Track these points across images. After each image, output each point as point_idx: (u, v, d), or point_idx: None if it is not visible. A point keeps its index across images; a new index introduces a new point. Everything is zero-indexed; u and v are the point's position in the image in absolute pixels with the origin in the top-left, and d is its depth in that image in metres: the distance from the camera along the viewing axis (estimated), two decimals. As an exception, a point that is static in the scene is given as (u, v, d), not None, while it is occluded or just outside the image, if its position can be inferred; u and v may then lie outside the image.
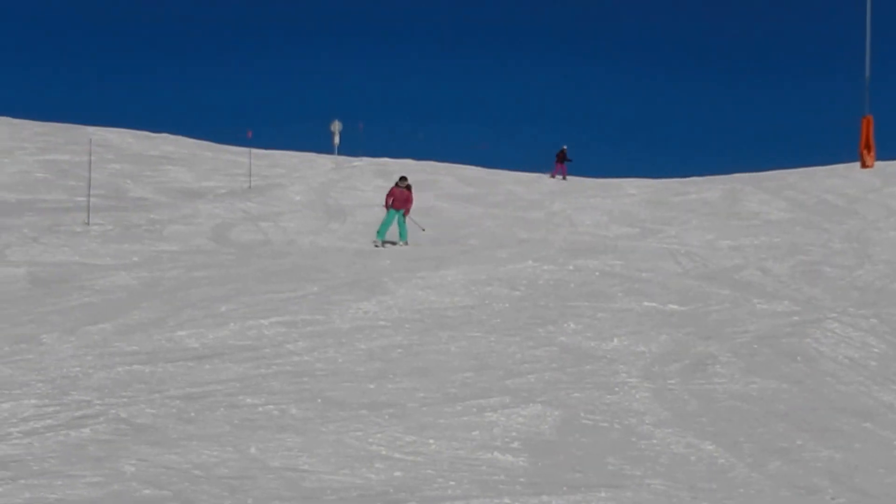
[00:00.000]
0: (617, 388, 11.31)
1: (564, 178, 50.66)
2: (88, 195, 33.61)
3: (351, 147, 57.88)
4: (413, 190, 28.90)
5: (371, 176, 45.26)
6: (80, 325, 15.00)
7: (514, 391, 11.07)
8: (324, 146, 58.29)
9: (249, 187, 41.58)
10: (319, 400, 10.74)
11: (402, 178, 28.72)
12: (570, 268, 20.50)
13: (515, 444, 9.42)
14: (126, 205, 36.18)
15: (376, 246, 26.34)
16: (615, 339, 13.70)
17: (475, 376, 11.75)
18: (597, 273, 19.84)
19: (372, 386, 11.33)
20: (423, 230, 28.45)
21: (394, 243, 25.59)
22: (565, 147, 52.76)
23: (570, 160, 53.21)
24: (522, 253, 23.82)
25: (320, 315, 15.34)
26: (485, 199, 39.35)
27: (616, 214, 33.20)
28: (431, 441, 9.45)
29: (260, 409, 10.41)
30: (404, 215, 27.95)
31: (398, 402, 10.61)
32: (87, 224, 30.75)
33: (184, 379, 11.65)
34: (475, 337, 13.87)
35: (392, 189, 28.39)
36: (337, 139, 57.08)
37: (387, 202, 28.19)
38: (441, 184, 42.26)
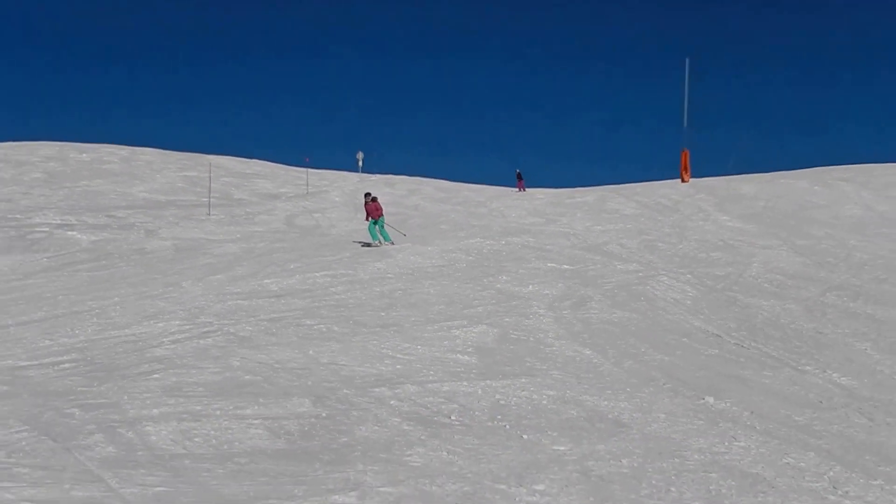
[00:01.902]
0: (531, 316, 11.71)
1: (524, 191, 50.42)
2: (209, 197, 34.31)
3: (368, 167, 58.38)
4: (378, 200, 24.59)
5: (382, 185, 45.51)
6: (204, 276, 15.40)
7: (469, 317, 11.46)
8: (352, 167, 58.69)
9: (307, 192, 42.13)
10: (351, 322, 11.13)
11: (367, 195, 25.04)
12: (503, 242, 20.71)
13: (470, 350, 9.88)
14: (232, 203, 36.80)
15: (378, 245, 22.62)
16: (530, 286, 13.96)
17: (445, 308, 12.11)
18: (519, 246, 20.00)
19: (383, 313, 11.69)
20: (405, 234, 24.13)
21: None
22: (519, 170, 52.86)
23: (521, 177, 53.21)
24: (474, 233, 23.99)
25: (350, 270, 15.63)
26: (451, 201, 39.37)
27: (531, 210, 33.33)
28: (419, 347, 9.90)
29: (314, 327, 10.82)
30: (384, 222, 23.95)
31: (399, 324, 11.00)
32: (209, 215, 31.32)
33: (268, 309, 12.01)
34: (445, 284, 14.17)
35: (364, 206, 24.56)
36: (360, 163, 57.58)
37: (366, 218, 24.22)
38: (423, 191, 42.57)
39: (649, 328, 11.54)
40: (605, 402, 8.21)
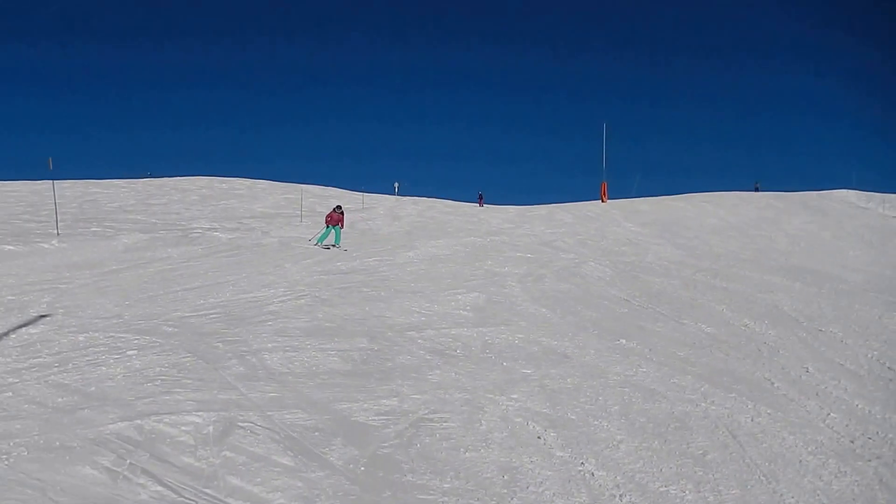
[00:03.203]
0: (507, 287, 11.61)
1: (482, 206, 50.44)
2: (301, 211, 34.30)
3: (402, 192, 58.42)
4: (344, 214, 21.24)
5: (410, 204, 45.47)
6: (298, 260, 15.25)
7: (467, 287, 11.37)
8: (390, 191, 58.75)
9: (362, 207, 42.00)
10: (392, 289, 11.07)
11: (338, 207, 21.03)
12: (488, 240, 20.69)
13: (468, 308, 9.83)
14: (315, 214, 36.60)
15: (315, 244, 19.78)
16: (506, 267, 13.83)
17: (452, 281, 12.01)
18: (498, 242, 19.99)
19: (412, 284, 11.61)
20: (346, 250, 18.75)
21: (328, 247, 19.21)
22: (481, 192, 53.04)
23: (482, 197, 53.39)
24: (469, 234, 24.05)
25: (390, 257, 15.55)
26: (454, 213, 39.24)
27: (505, 220, 33.30)
28: (435, 306, 9.85)
29: (369, 293, 10.76)
30: (340, 228, 20.41)
31: (422, 291, 10.93)
32: (301, 222, 31.27)
33: (339, 281, 11.94)
34: (451, 265, 14.07)
35: (330, 213, 20.79)
36: (396, 189, 57.49)
37: (325, 221, 20.69)
38: (436, 207, 42.54)
39: (583, 295, 11.44)
40: (555, 343, 8.23)
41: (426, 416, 5.56)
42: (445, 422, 5.48)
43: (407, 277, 12.57)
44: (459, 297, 10.63)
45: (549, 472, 4.74)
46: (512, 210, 43.40)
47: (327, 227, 20.20)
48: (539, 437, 5.30)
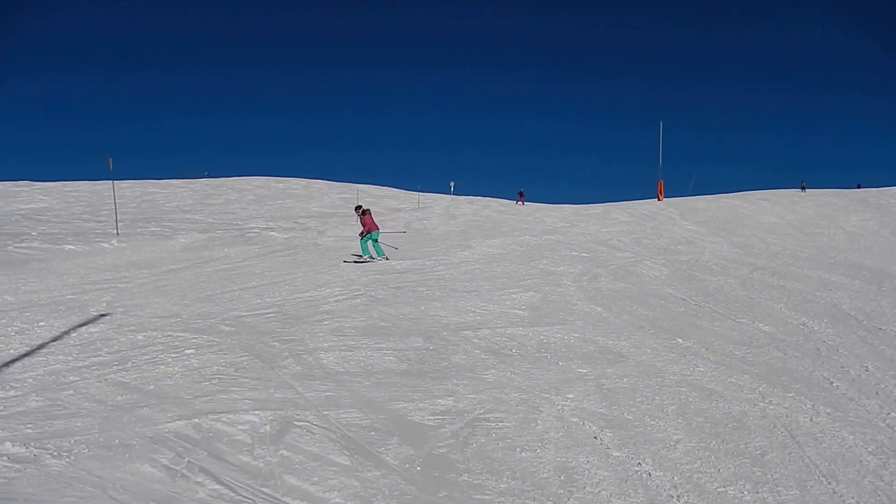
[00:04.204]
0: (562, 286, 11.47)
1: (524, 205, 50.14)
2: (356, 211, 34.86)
3: (457, 191, 58.64)
4: (369, 213, 16.89)
5: (466, 203, 45.61)
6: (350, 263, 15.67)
7: (522, 286, 11.26)
8: (446, 190, 59.09)
9: (418, 207, 42.41)
10: (447, 289, 11.02)
11: (357, 207, 16.94)
12: (543, 239, 20.58)
13: (523, 307, 9.73)
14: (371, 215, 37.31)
15: (369, 259, 15.93)
16: (561, 267, 13.69)
17: (507, 280, 11.90)
18: (553, 241, 19.85)
19: (467, 283, 11.55)
20: (396, 248, 17.28)
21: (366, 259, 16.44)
22: (521, 190, 52.82)
23: (523, 195, 53.15)
24: (524, 233, 23.90)
25: (445, 256, 15.53)
26: (508, 212, 39.33)
27: (560, 218, 33.02)
28: (491, 305, 9.77)
29: (424, 292, 10.72)
30: (359, 234, 16.76)
31: (477, 290, 10.86)
32: (356, 222, 31.69)
33: (395, 280, 11.97)
34: (506, 265, 13.96)
35: (360, 220, 16.67)
36: (452, 188, 57.66)
37: (362, 233, 16.51)
38: (491, 206, 42.68)
39: (638, 294, 11.21)
40: (611, 342, 8.06)
41: (482, 416, 5.50)
42: (501, 421, 5.41)
43: (462, 277, 12.52)
44: (515, 296, 10.53)
45: (606, 473, 4.63)
46: (567, 209, 43.01)
47: (364, 236, 16.47)
48: (595, 437, 5.18)
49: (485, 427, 5.29)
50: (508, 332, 8.34)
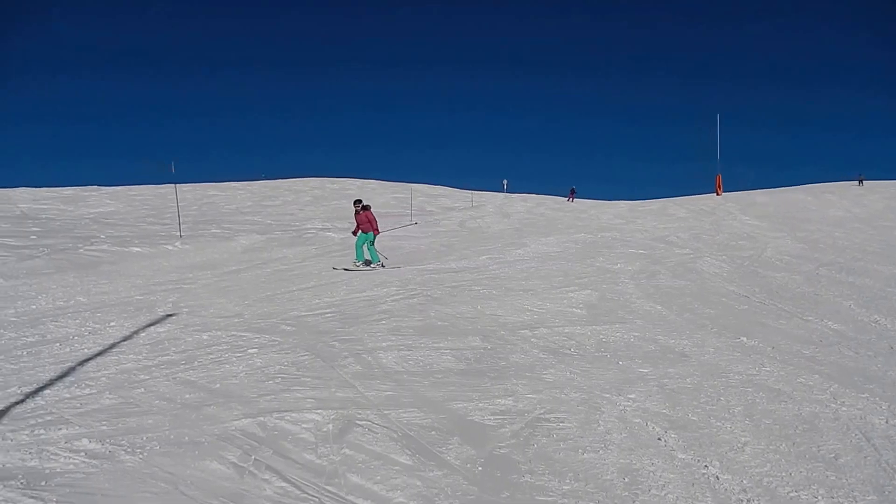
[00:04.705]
0: (620, 283, 11.33)
1: (573, 202, 49.80)
2: (411, 210, 35.11)
3: (510, 189, 58.53)
4: (369, 210, 15.30)
5: (519, 201, 45.46)
6: (411, 262, 15.68)
7: (579, 284, 11.15)
8: (498, 189, 58.94)
9: (472, 205, 42.49)
10: (503, 287, 10.98)
11: (357, 202, 15.29)
12: (599, 236, 20.40)
13: (581, 305, 9.65)
14: (425, 213, 37.61)
15: (347, 269, 14.23)
16: (618, 264, 13.54)
17: (563, 278, 11.79)
18: (609, 238, 19.67)
19: (523, 282, 11.48)
20: (386, 258, 14.88)
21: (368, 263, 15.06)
22: (573, 187, 52.55)
23: (574, 192, 52.85)
24: (579, 230, 23.74)
25: (501, 255, 15.51)
26: (563, 209, 39.16)
27: (615, 215, 32.63)
28: (548, 304, 9.72)
29: (480, 291, 10.74)
30: (374, 235, 14.90)
31: (534, 289, 10.80)
32: (411, 220, 31.91)
33: (450, 279, 11.97)
34: (562, 263, 13.84)
35: (355, 216, 15.18)
36: (505, 186, 57.55)
37: (354, 231, 15.24)
38: (545, 204, 42.49)
39: (699, 291, 10.98)
40: (672, 341, 7.90)
41: (542, 416, 5.46)
42: (562, 422, 5.36)
43: (518, 275, 12.46)
44: (572, 294, 10.45)
45: (672, 475, 4.53)
46: (622, 205, 42.47)
47: (358, 237, 15.01)
48: (659, 439, 5.09)
49: (546, 427, 5.25)
50: (566, 330, 8.27)
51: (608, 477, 4.51)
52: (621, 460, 4.74)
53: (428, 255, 16.75)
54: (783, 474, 4.60)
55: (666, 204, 40.64)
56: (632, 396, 5.97)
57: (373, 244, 14.83)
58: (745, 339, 8.16)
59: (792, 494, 4.34)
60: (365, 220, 14.92)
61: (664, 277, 12.23)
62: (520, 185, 79.35)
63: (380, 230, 15.34)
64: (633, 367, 6.87)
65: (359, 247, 14.79)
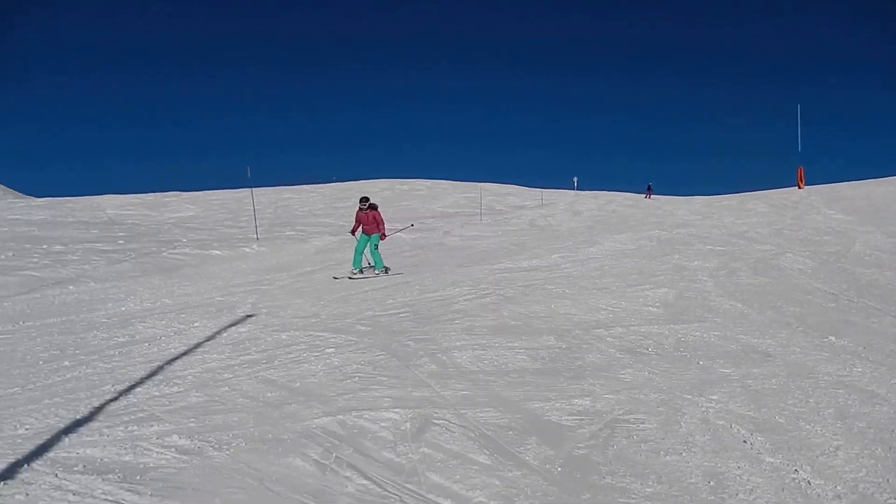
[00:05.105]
0: (698, 281, 11.05)
1: (651, 199, 48.90)
2: (481, 209, 35.11)
3: (580, 186, 57.83)
4: (376, 210, 14.26)
5: (590, 198, 44.90)
6: (480, 258, 15.74)
7: (655, 282, 10.94)
8: (569, 186, 58.31)
9: (542, 203, 42.23)
10: (576, 286, 10.84)
11: (364, 199, 14.27)
12: (674, 232, 19.89)
13: (657, 304, 9.44)
14: (494, 212, 37.61)
15: (351, 277, 13.37)
16: (695, 261, 13.18)
17: (638, 276, 11.61)
18: (685, 234, 19.17)
19: (597, 280, 11.30)
20: (412, 225, 15.48)
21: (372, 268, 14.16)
22: (650, 183, 51.73)
23: (651, 189, 52.02)
24: (653, 227, 23.31)
25: (573, 253, 15.34)
26: (636, 206, 38.48)
27: (691, 211, 31.80)
28: (623, 302, 9.55)
29: (553, 290, 10.62)
30: (380, 238, 14.06)
31: (608, 287, 10.64)
32: (481, 220, 32.03)
33: (522, 278, 11.91)
34: (637, 260, 13.61)
35: (357, 214, 14.11)
36: (575, 183, 56.90)
37: (354, 229, 14.32)
38: (617, 201, 41.87)
39: (783, 289, 10.56)
40: (755, 340, 7.63)
41: (621, 417, 5.37)
42: (642, 423, 5.26)
43: (591, 273, 12.31)
44: (647, 292, 10.24)
45: (760, 480, 4.38)
46: (698, 201, 41.38)
47: (360, 237, 14.05)
48: (745, 442, 4.93)
49: (625, 428, 5.16)
50: (643, 329, 8.11)
51: (692, 480, 4.40)
52: (706, 463, 4.62)
53: (499, 254, 16.71)
54: (880, 480, 4.39)
55: (744, 198, 39.33)
56: (714, 397, 5.80)
57: (377, 248, 13.81)
58: (833, 338, 7.83)
59: (890, 501, 4.14)
60: (372, 221, 13.83)
61: (744, 274, 11.82)
62: (590, 183, 78.34)
63: (387, 234, 14.34)
64: (714, 367, 6.68)
65: (359, 252, 13.76)
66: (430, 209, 43.01)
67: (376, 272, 13.60)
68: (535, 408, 5.56)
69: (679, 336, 7.83)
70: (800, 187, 42.20)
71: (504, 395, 5.86)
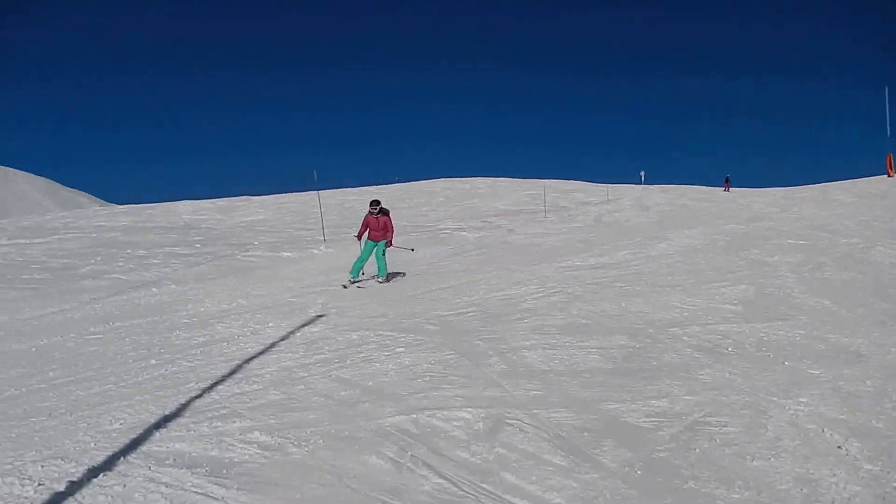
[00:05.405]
0: (779, 277, 10.60)
1: (729, 191, 47.63)
2: (545, 206, 34.83)
3: (648, 181, 56.77)
4: (386, 216, 13.49)
5: (658, 192, 43.93)
6: (546, 256, 15.58)
7: (732, 279, 10.56)
8: (636, 181, 57.24)
9: (608, 199, 41.59)
10: (648, 283, 10.55)
11: (374, 203, 13.27)
12: (751, 226, 19.11)
13: (735, 301, 9.11)
14: (559, 209, 37.26)
15: (344, 287, 12.64)
16: (775, 256, 12.63)
17: (713, 273, 11.22)
18: (763, 228, 18.43)
19: (669, 277, 11.01)
20: (412, 250, 16.39)
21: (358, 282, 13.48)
22: (728, 176, 50.42)
23: (729, 181, 50.63)
24: (727, 221, 22.52)
25: (642, 249, 14.93)
26: (708, 200, 37.55)
27: (769, 203, 30.74)
28: (698, 300, 9.24)
29: (624, 287, 10.34)
30: (386, 246, 13.38)
31: (681, 284, 10.34)
32: (545, 217, 31.74)
33: (591, 276, 11.67)
34: (711, 256, 13.13)
35: (366, 217, 13.41)
36: (642, 178, 55.86)
37: (360, 233, 13.42)
38: (688, 195, 40.87)
39: (874, 285, 9.98)
40: (846, 339, 7.23)
41: (701, 420, 5.18)
42: (724, 426, 5.05)
43: (662, 270, 11.98)
44: (724, 289, 9.89)
45: (858, 488, 4.14)
46: (776, 192, 40.01)
47: (366, 243, 13.42)
48: (840, 447, 4.67)
49: (707, 431, 4.97)
50: (721, 328, 7.82)
51: (783, 486, 4.19)
52: (797, 469, 4.39)
53: (565, 252, 16.47)
54: None
55: (826, 188, 37.78)
56: (803, 400, 5.53)
57: (384, 254, 13.27)
58: (930, 337, 7.39)
59: None
60: (382, 227, 13.18)
61: (830, 270, 11.28)
62: (659, 177, 76.68)
63: (394, 243, 13.64)
64: (801, 367, 6.38)
65: (362, 260, 13.15)
66: (492, 207, 42.82)
67: (379, 280, 13.14)
68: (611, 409, 5.42)
69: (761, 335, 7.52)
70: (890, 175, 40.07)
71: (577, 396, 5.73)
